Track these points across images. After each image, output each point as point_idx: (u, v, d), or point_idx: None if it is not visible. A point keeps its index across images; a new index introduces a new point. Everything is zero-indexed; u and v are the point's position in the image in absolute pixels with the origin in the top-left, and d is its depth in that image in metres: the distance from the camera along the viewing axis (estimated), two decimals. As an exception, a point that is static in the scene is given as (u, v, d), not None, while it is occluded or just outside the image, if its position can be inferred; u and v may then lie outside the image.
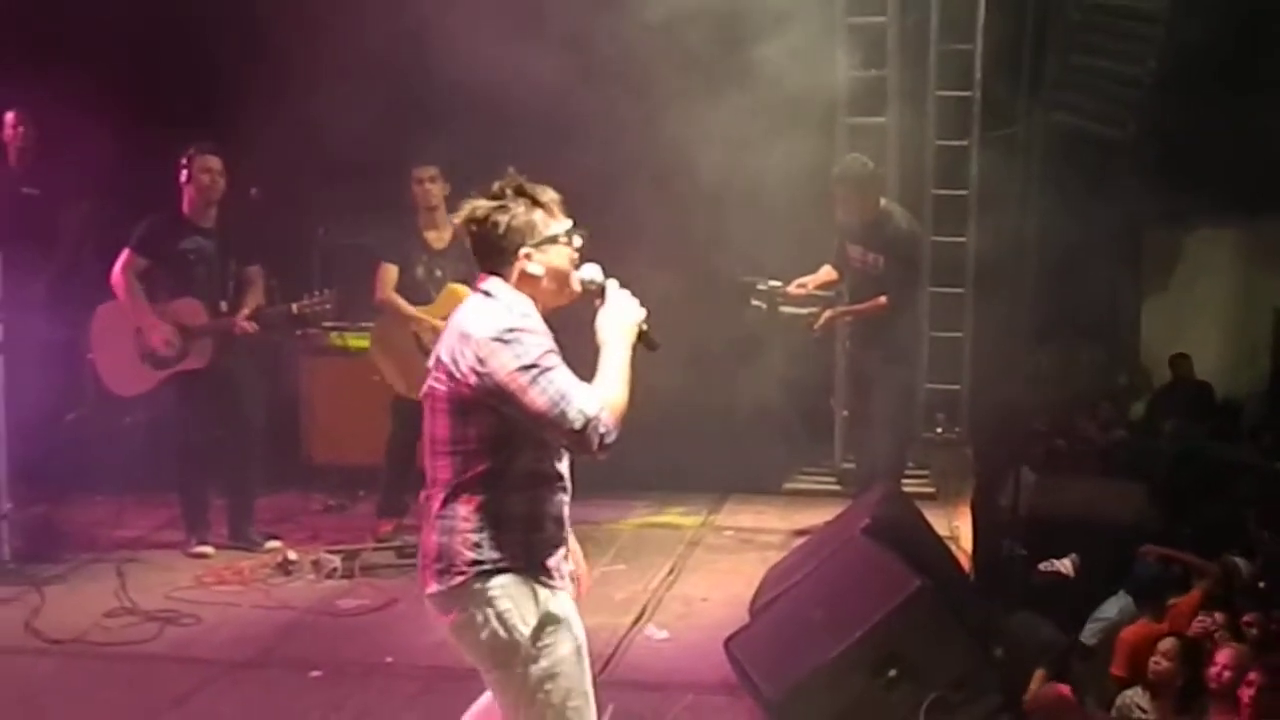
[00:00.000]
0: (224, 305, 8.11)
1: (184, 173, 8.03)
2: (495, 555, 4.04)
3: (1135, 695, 7.36)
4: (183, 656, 6.71)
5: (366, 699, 6.18)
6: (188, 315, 8.05)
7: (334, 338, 9.77)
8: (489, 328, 4.01)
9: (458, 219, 4.28)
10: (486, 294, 4.16)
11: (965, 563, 7.79)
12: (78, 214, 9.14)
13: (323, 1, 9.10)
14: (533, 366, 3.96)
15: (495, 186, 4.21)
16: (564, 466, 4.20)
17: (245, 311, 8.10)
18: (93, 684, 6.34)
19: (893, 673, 5.54)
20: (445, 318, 8.10)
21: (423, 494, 4.22)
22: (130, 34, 9.37)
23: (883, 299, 8.40)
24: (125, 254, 8.01)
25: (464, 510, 4.05)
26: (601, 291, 4.25)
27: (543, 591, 4.09)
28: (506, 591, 4.04)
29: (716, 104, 8.84)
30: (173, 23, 9.29)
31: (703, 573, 8.11)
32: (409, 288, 8.38)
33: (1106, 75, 9.84)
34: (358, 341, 9.38)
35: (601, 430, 3.96)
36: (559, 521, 4.19)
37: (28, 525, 8.12)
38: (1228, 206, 12.34)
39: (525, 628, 4.04)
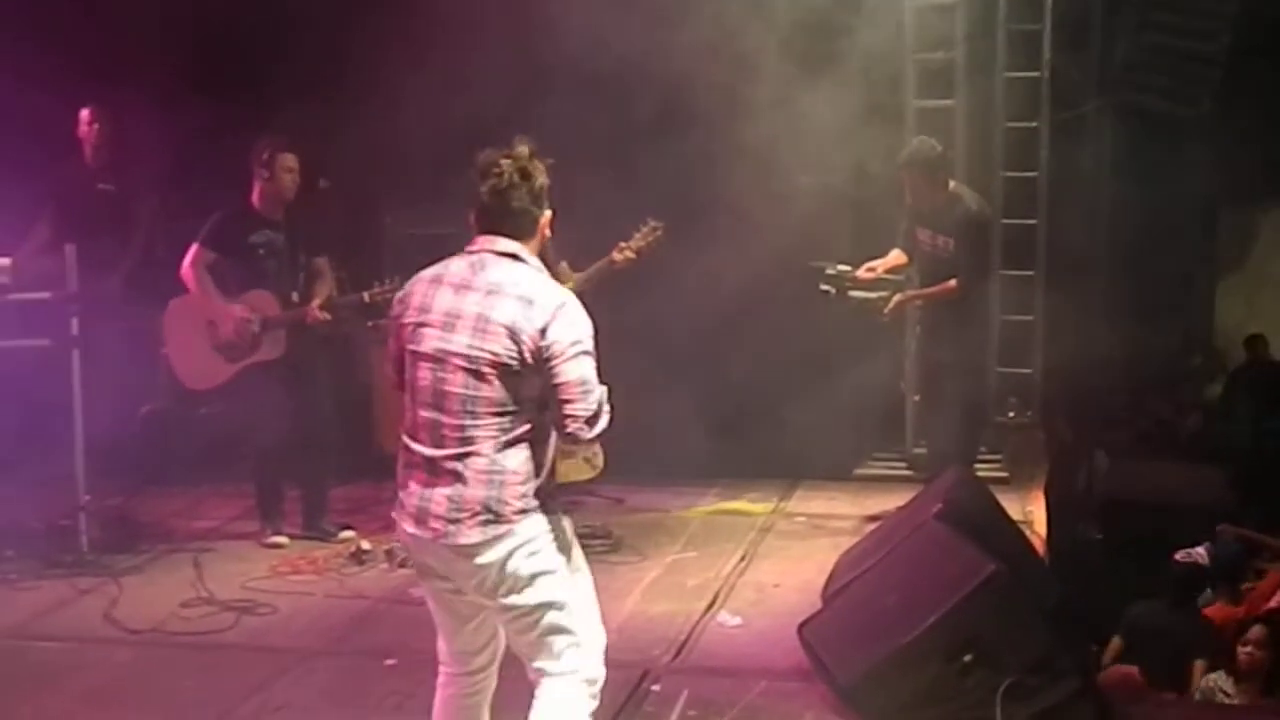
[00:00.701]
0: (295, 296, 8.15)
1: (262, 169, 8.04)
2: (535, 502, 4.30)
3: (1219, 679, 7.30)
4: (259, 646, 6.76)
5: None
6: (260, 307, 8.10)
7: (404, 328, 9.77)
8: (552, 298, 4.25)
9: (494, 174, 4.36)
10: (514, 256, 4.34)
11: (1039, 547, 7.73)
12: (151, 208, 9.23)
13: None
14: (582, 343, 4.23)
15: (516, 149, 4.36)
16: None
17: (317, 301, 8.14)
18: (170, 673, 6.39)
19: (968, 658, 5.50)
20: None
21: (432, 452, 4.36)
22: (200, 29, 9.45)
23: (953, 282, 8.33)
24: (194, 248, 8.05)
25: (513, 464, 4.28)
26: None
27: (565, 520, 4.44)
28: (546, 528, 4.34)
29: (785, 90, 8.82)
30: (241, 17, 9.36)
31: (774, 559, 8.09)
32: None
33: (1179, 53, 9.71)
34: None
35: (601, 425, 4.26)
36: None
37: (105, 517, 8.21)
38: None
39: (561, 559, 4.38)
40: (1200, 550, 8.71)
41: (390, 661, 6.49)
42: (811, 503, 9.33)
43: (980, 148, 9.78)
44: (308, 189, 8.40)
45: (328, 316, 8.15)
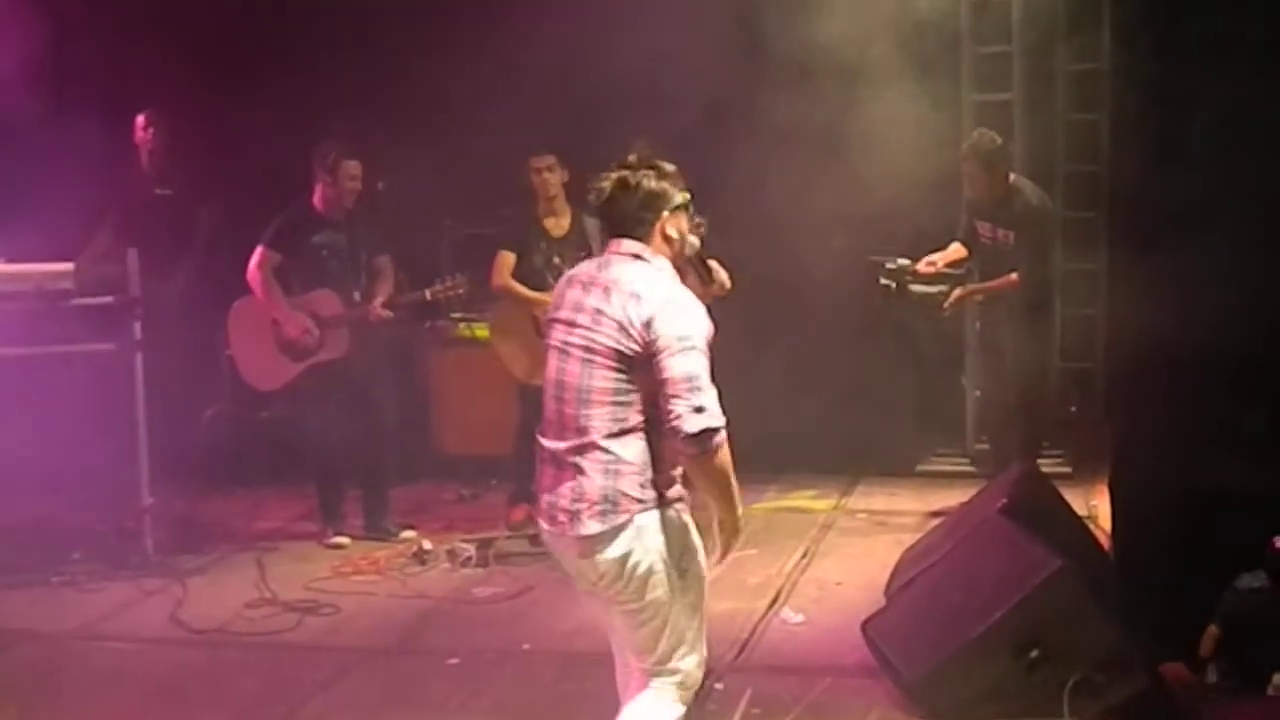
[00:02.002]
0: (357, 296, 8.20)
1: (327, 174, 8.10)
2: (654, 494, 4.39)
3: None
4: (322, 646, 6.80)
5: (504, 686, 6.21)
6: (323, 306, 8.15)
7: (462, 328, 9.83)
8: (660, 293, 4.38)
9: (599, 186, 4.56)
10: (637, 256, 4.50)
11: (1104, 542, 7.66)
12: (210, 213, 9.28)
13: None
14: (689, 339, 4.29)
15: (630, 158, 4.57)
16: None
17: (380, 299, 8.19)
18: (235, 674, 6.44)
19: (1035, 654, 5.46)
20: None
21: (556, 445, 4.48)
22: (256, 31, 9.50)
23: (1014, 275, 8.29)
24: (259, 251, 8.12)
25: (629, 454, 4.37)
26: (702, 263, 4.76)
27: (686, 519, 4.51)
28: (663, 525, 4.42)
29: (844, 84, 8.79)
30: (298, 20, 9.41)
31: (836, 556, 8.05)
32: (528, 275, 8.41)
33: (1246, 40, 9.58)
34: (485, 332, 9.43)
35: (714, 424, 4.26)
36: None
37: (170, 519, 8.27)
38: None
39: (674, 556, 4.45)
40: None
41: (453, 661, 6.52)
42: (873, 499, 9.28)
43: (1040, 141, 9.70)
44: (368, 190, 8.44)
45: (390, 314, 8.20)
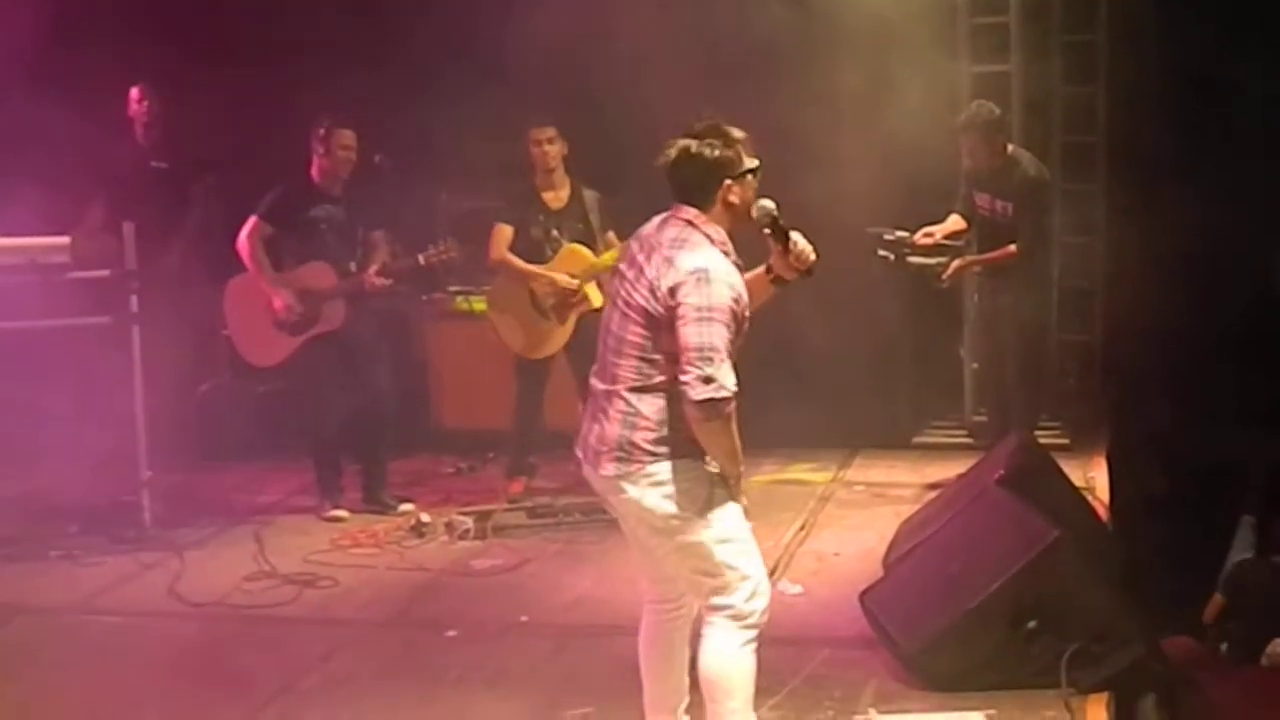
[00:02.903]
0: (353, 268, 8.19)
1: (320, 145, 8.09)
2: (668, 449, 4.57)
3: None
4: (322, 618, 6.81)
5: (503, 658, 6.21)
6: (318, 278, 8.14)
7: (459, 301, 9.82)
8: (693, 261, 4.51)
9: (665, 153, 4.68)
10: (689, 223, 4.64)
11: (1102, 513, 7.67)
12: (205, 186, 9.25)
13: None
14: (710, 309, 4.44)
15: (696, 126, 4.68)
16: None
17: (374, 268, 8.18)
18: (234, 647, 6.44)
19: (1032, 624, 5.47)
20: (565, 273, 8.19)
21: (599, 384, 4.73)
22: (252, 4, 9.46)
23: (1012, 247, 8.27)
24: (252, 221, 8.11)
25: (646, 409, 4.59)
26: (773, 223, 4.75)
27: (708, 469, 4.62)
28: (677, 474, 4.58)
29: (839, 57, 8.77)
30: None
31: (834, 528, 8.06)
32: (526, 248, 8.41)
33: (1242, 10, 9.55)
34: (482, 305, 9.42)
35: (724, 394, 4.44)
36: None
37: (168, 493, 8.26)
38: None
39: (696, 502, 4.59)
40: None
41: (451, 633, 6.52)
42: (871, 471, 9.28)
43: (1038, 113, 9.67)
44: (364, 164, 8.42)
45: (386, 281, 8.18)
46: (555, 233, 8.43)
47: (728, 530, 4.67)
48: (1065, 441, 9.22)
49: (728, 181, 4.65)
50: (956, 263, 8.47)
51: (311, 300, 8.13)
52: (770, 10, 8.84)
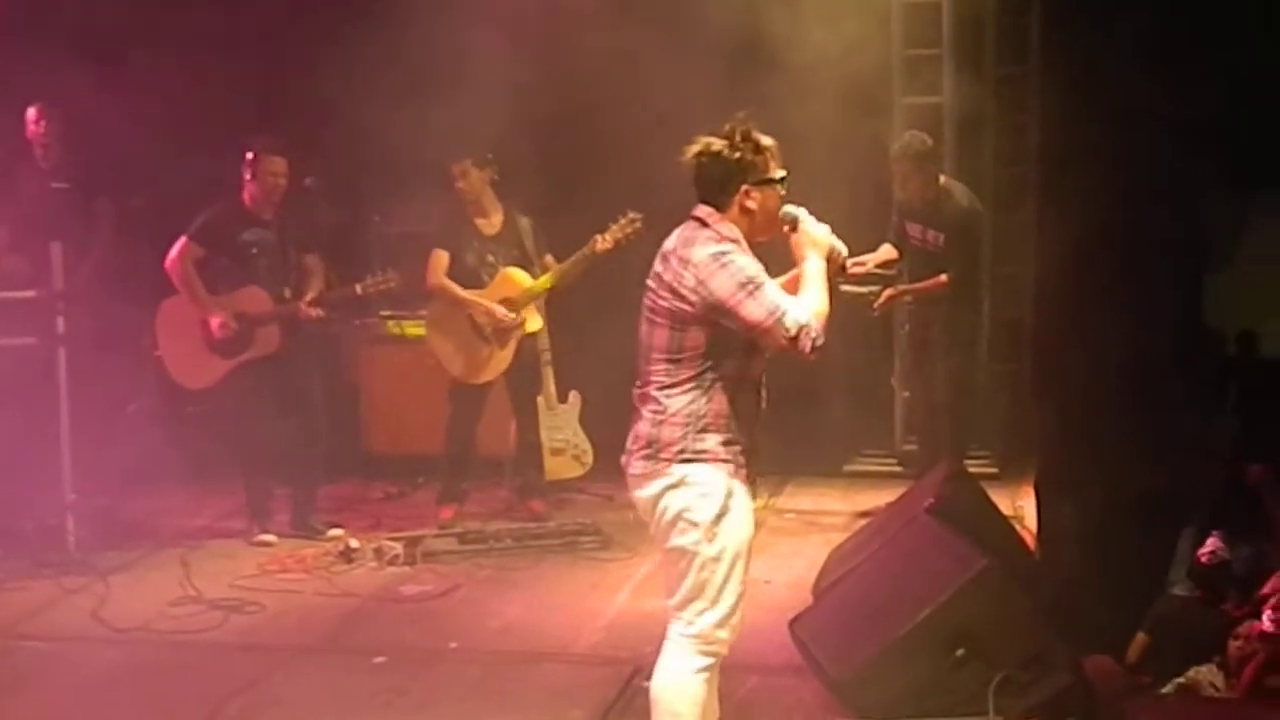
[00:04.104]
0: (287, 293, 8.15)
1: (249, 170, 8.05)
2: (696, 448, 4.65)
3: (1209, 673, 7.27)
4: (248, 644, 6.74)
5: (431, 684, 6.18)
6: (252, 304, 8.09)
7: (391, 326, 9.79)
8: (705, 252, 4.58)
9: (688, 154, 4.74)
10: (701, 221, 4.71)
11: (1030, 542, 7.71)
12: (111, 206, 9.11)
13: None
14: (748, 283, 4.52)
15: (726, 127, 4.72)
16: (761, 371, 4.79)
17: (310, 296, 8.14)
18: (159, 672, 6.37)
19: (961, 652, 5.48)
20: (501, 300, 8.21)
21: (636, 390, 4.81)
22: (169, 23, 9.35)
23: (944, 277, 8.34)
24: (181, 242, 8.07)
25: (674, 406, 4.66)
26: (794, 223, 4.80)
27: (732, 483, 4.70)
28: (700, 478, 4.66)
29: (771, 87, 8.80)
30: (209, 11, 9.27)
31: (765, 555, 8.04)
32: (461, 274, 8.41)
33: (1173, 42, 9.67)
34: (415, 330, 9.41)
35: (813, 335, 4.53)
36: (751, 421, 4.78)
37: (93, 516, 8.17)
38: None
39: (707, 514, 4.66)
40: (1219, 545, 8.62)
41: (379, 659, 6.48)
42: (802, 499, 9.31)
43: (970, 144, 9.76)
44: (296, 187, 8.38)
45: (320, 312, 8.15)
46: (490, 258, 8.44)
47: (725, 551, 4.72)
48: (994, 471, 9.30)
49: (746, 186, 4.69)
50: (888, 292, 8.52)
51: (245, 324, 8.08)
52: (702, 40, 8.87)
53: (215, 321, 8.05)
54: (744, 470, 4.76)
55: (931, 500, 6.52)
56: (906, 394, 9.73)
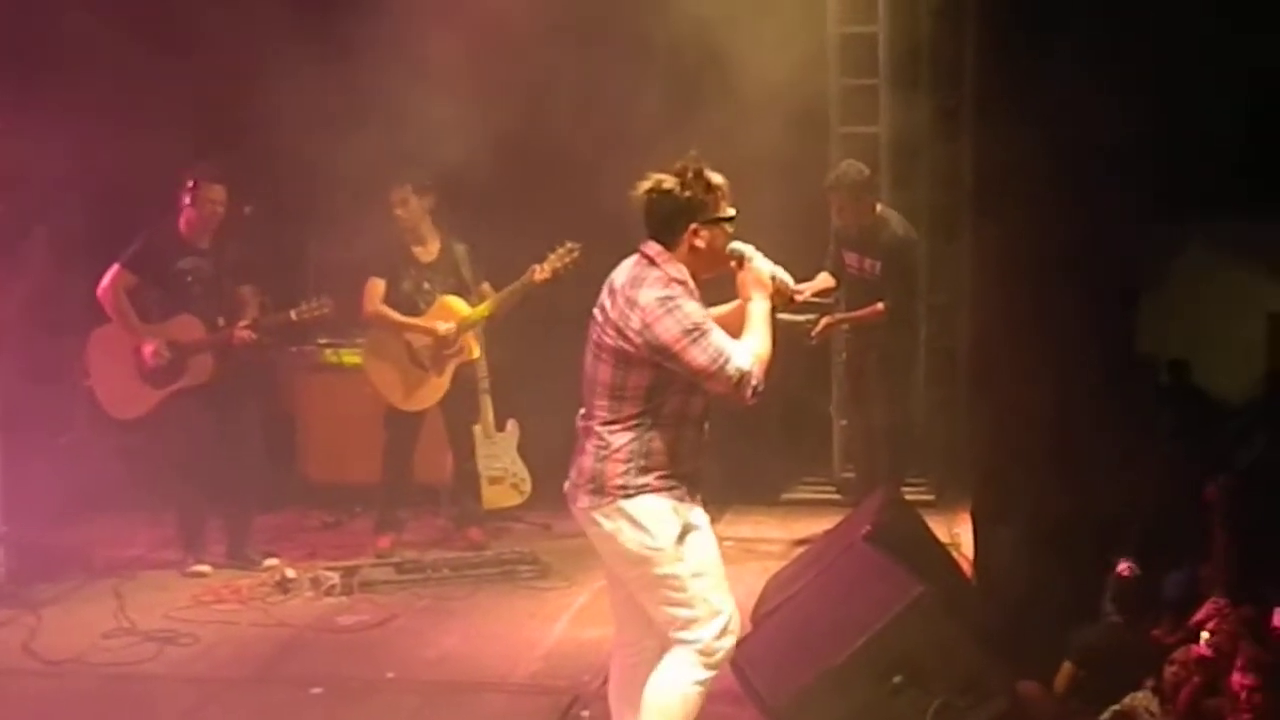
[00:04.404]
0: (221, 322, 8.08)
1: (188, 197, 8.01)
2: (640, 482, 4.72)
3: (1145, 698, 7.32)
4: (182, 676, 6.68)
5: (368, 715, 6.16)
6: (185, 332, 8.03)
7: (328, 354, 9.75)
8: (652, 295, 4.64)
9: (639, 189, 4.79)
10: (650, 260, 4.76)
11: (967, 568, 7.76)
12: (44, 234, 9.02)
13: (295, 14, 9.07)
14: (694, 329, 4.60)
15: (678, 165, 4.77)
16: (703, 408, 4.83)
17: (244, 322, 8.08)
18: (92, 705, 6.31)
19: (898, 679, 5.50)
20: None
21: (580, 423, 4.87)
22: (104, 47, 9.27)
23: (880, 305, 8.38)
24: (115, 269, 8.00)
25: (618, 443, 4.72)
26: (741, 260, 4.86)
27: (681, 506, 4.77)
28: (648, 509, 4.72)
29: (708, 116, 8.83)
30: (147, 36, 9.21)
31: (704, 583, 8.05)
32: (398, 301, 8.40)
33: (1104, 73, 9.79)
34: (352, 358, 9.37)
35: (754, 383, 4.62)
36: (695, 455, 4.85)
37: (23, 547, 8.06)
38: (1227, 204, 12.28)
39: (668, 537, 4.72)
40: (1131, 564, 8.69)
41: (316, 690, 6.44)
42: (740, 527, 9.31)
43: (905, 172, 9.82)
44: (234, 215, 8.33)
45: (253, 336, 8.08)
46: (426, 285, 8.43)
47: (702, 564, 4.78)
48: (931, 498, 9.35)
49: (695, 225, 4.73)
50: (825, 320, 8.54)
51: (178, 353, 8.02)
52: (642, 68, 8.90)
53: (148, 349, 7.99)
54: (688, 497, 4.82)
55: (869, 527, 6.54)
56: (844, 422, 9.77)
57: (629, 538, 4.73)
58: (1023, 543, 9.50)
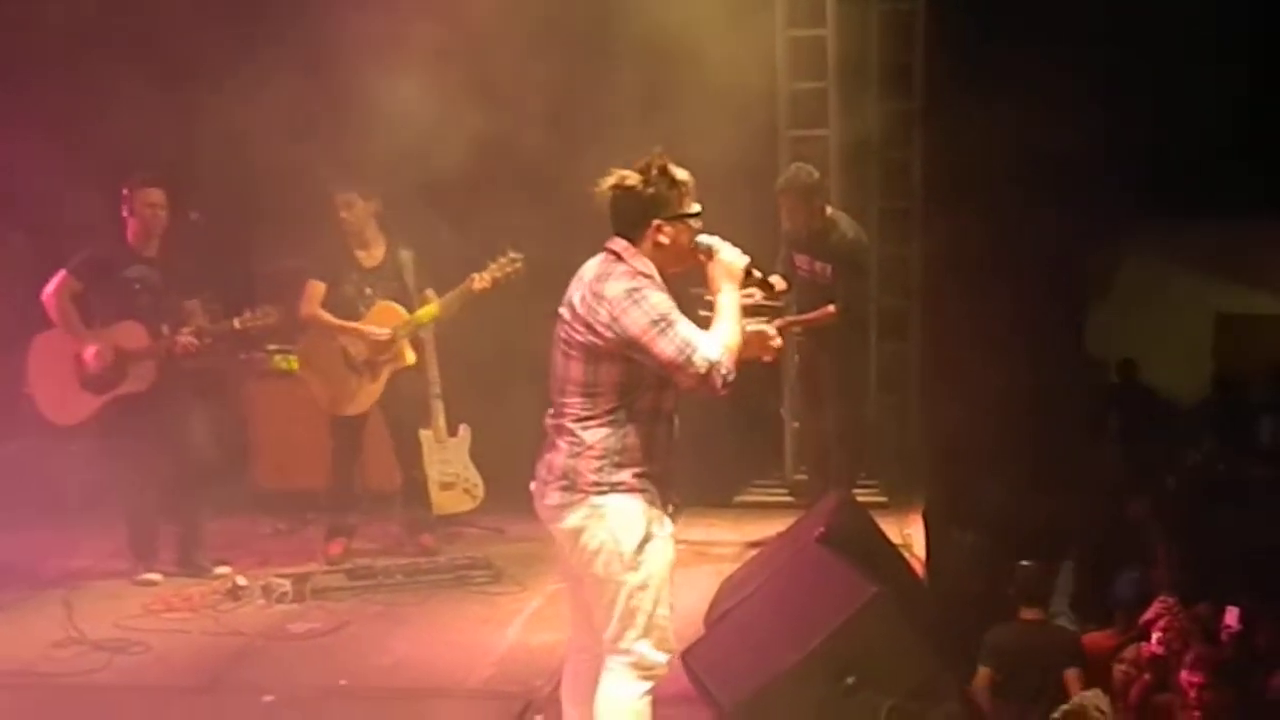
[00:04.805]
0: (165, 330, 8.02)
1: (126, 205, 7.96)
2: (613, 479, 4.72)
3: (1096, 697, 7.38)
4: (132, 685, 6.62)
5: (321, 723, 6.12)
6: (128, 338, 7.96)
7: (277, 360, 9.71)
8: (618, 288, 4.64)
9: (604, 184, 4.79)
10: (616, 255, 4.77)
11: (919, 570, 7.80)
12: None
13: (246, 24, 9.03)
14: (660, 320, 4.60)
15: (642, 162, 4.78)
16: (674, 405, 4.86)
17: (187, 329, 8.01)
18: (41, 715, 6.27)
19: (851, 680, 5.52)
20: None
21: (549, 421, 4.86)
22: (47, 57, 9.22)
23: (831, 308, 8.40)
24: (60, 275, 7.94)
25: (591, 439, 4.72)
26: (710, 253, 4.86)
27: (650, 512, 4.77)
28: (618, 510, 4.72)
29: (656, 120, 8.84)
30: (92, 45, 9.16)
31: (657, 587, 8.05)
32: (339, 305, 8.35)
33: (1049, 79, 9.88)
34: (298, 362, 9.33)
35: (724, 371, 4.61)
36: (667, 454, 4.86)
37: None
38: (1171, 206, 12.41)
39: (630, 543, 4.71)
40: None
41: (268, 698, 6.41)
42: (692, 530, 9.28)
43: (855, 177, 9.86)
44: (179, 222, 8.28)
45: (196, 344, 8.01)
46: (368, 290, 8.39)
47: (650, 577, 4.77)
48: (883, 499, 9.37)
49: (658, 221, 4.76)
50: (776, 323, 8.50)
51: (120, 359, 7.95)
52: (586, 71, 8.90)
53: (89, 351, 7.92)
54: (660, 500, 4.82)
55: (821, 530, 6.56)
56: (796, 424, 9.79)
57: (593, 534, 4.73)
58: (975, 543, 9.60)
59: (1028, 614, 8.00)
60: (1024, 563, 8.33)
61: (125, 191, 7.94)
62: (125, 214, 7.97)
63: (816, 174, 8.50)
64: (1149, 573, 9.08)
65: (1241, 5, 10.65)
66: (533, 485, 4.92)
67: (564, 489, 4.76)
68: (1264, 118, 11.37)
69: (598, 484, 4.72)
